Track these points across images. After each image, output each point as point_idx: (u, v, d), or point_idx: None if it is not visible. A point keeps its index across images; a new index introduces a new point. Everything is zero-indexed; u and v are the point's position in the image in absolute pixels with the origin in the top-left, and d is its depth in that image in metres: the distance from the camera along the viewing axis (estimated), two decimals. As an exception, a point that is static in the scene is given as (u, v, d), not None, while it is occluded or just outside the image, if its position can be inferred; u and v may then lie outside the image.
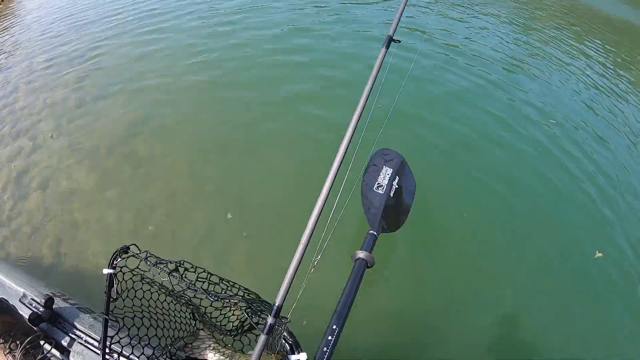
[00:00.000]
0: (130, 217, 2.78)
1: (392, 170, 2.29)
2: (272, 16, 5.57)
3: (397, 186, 2.25)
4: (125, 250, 0.81)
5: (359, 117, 1.26)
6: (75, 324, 1.43)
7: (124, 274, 0.85)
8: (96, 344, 1.39)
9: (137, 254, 0.78)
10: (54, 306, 1.45)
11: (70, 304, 1.51)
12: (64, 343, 1.38)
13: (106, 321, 0.83)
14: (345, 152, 1.19)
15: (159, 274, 0.82)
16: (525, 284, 2.41)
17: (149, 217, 2.75)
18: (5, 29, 6.99)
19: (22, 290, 1.48)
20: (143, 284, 1.05)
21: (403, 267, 2.41)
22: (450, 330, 2.15)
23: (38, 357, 1.30)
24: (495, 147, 3.39)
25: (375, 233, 1.93)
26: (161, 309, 1.23)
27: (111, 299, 0.83)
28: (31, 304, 1.45)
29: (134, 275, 0.88)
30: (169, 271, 0.83)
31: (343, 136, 1.23)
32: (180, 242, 2.57)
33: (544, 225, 2.80)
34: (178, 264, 0.88)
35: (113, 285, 0.81)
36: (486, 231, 2.67)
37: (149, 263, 0.82)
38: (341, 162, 1.17)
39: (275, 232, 2.58)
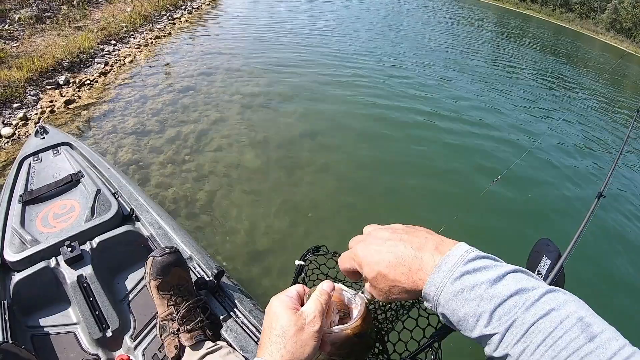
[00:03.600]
0: (277, 203, 3.34)
1: (550, 262, 2.27)
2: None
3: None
4: (317, 248, 0.86)
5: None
6: (237, 303, 1.49)
7: (312, 270, 0.87)
8: (252, 327, 1.42)
9: (325, 253, 0.84)
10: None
11: (233, 283, 1.59)
12: (220, 315, 1.44)
13: None
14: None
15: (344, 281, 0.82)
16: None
17: (298, 207, 3.35)
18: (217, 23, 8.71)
19: (189, 252, 1.60)
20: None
21: None
22: None
23: (196, 320, 1.38)
24: None
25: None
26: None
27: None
28: (195, 268, 1.56)
29: (320, 273, 0.88)
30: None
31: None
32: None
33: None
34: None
35: (301, 274, 0.85)
36: None
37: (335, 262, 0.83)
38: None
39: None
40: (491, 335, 0.44)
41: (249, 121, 4.57)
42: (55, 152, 1.97)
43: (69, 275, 1.48)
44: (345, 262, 0.61)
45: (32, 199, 1.71)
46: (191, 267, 1.57)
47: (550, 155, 5.19)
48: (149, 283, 1.40)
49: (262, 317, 1.48)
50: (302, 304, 0.60)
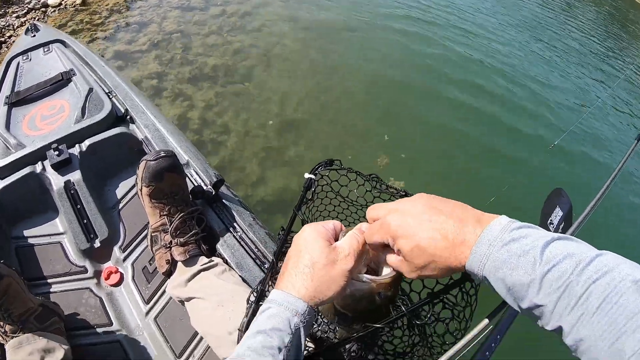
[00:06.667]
0: (310, 86, 3.34)
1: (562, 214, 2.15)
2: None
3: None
4: (330, 162, 0.78)
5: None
6: (235, 215, 1.26)
7: (321, 187, 0.79)
8: (251, 244, 1.22)
9: (339, 168, 0.77)
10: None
11: (233, 194, 1.35)
12: (217, 229, 1.22)
13: (294, 216, 0.78)
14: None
15: (356, 191, 0.77)
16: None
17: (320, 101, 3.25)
18: None
19: (186, 158, 1.36)
20: (335, 200, 0.85)
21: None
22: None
23: (191, 233, 1.17)
24: None
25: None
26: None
27: (304, 201, 0.80)
28: (192, 176, 1.32)
29: (330, 190, 0.80)
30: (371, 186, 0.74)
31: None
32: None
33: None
34: (375, 179, 0.77)
35: (310, 188, 0.78)
36: None
37: (349, 178, 0.76)
38: None
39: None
40: (542, 305, 0.40)
41: (293, 8, 4.49)
42: (46, 49, 1.74)
43: (56, 180, 1.30)
44: (374, 233, 0.54)
45: (19, 100, 1.51)
46: (188, 175, 1.34)
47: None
48: (141, 190, 1.18)
49: (262, 233, 1.24)
50: (336, 241, 0.57)
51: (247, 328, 0.88)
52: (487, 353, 1.00)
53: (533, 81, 4.68)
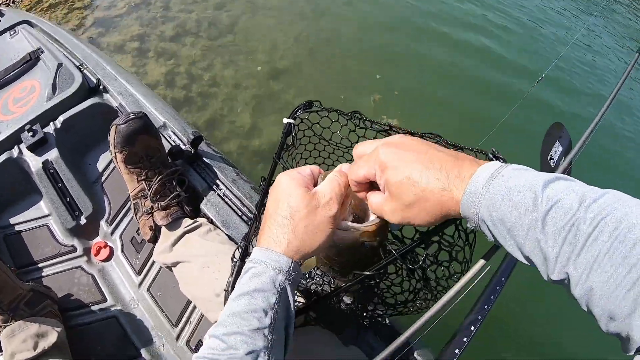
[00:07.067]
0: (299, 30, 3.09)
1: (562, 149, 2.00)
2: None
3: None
4: (309, 104, 0.71)
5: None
6: (217, 172, 1.15)
7: (303, 131, 0.75)
8: (236, 200, 1.11)
9: (319, 110, 0.72)
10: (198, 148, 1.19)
11: (214, 150, 1.23)
12: (200, 188, 1.12)
13: (274, 164, 0.73)
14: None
15: (339, 132, 0.73)
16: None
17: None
18: None
19: (162, 119, 1.24)
20: (319, 145, 0.80)
21: None
22: None
23: (172, 195, 1.07)
24: None
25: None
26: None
27: (284, 147, 0.75)
28: (170, 137, 1.21)
29: (312, 134, 0.76)
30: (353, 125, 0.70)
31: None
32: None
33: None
34: (357, 116, 0.70)
35: (290, 134, 0.73)
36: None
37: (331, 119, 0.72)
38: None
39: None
40: (546, 249, 0.35)
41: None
42: (12, 33, 1.65)
43: (34, 162, 1.24)
44: (360, 165, 0.48)
45: (-10, 87, 1.44)
46: (165, 136, 1.24)
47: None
48: (115, 157, 1.09)
49: (247, 187, 1.12)
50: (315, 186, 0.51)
51: (232, 288, 0.79)
52: (492, 297, 0.94)
53: (523, 13, 4.35)
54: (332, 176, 0.51)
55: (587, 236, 0.32)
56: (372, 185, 0.50)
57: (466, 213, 0.40)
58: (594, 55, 4.20)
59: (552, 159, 1.96)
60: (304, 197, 0.47)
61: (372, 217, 0.52)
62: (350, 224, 0.51)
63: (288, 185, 0.49)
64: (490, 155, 0.54)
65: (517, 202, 0.37)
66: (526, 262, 0.39)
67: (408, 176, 0.42)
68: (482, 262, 0.55)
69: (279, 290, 0.46)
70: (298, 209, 0.47)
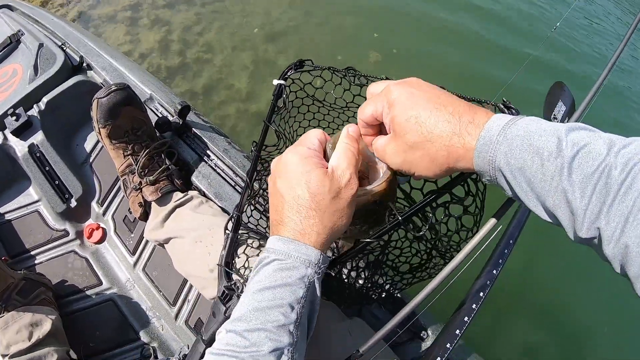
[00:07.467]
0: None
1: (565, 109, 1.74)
2: None
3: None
4: (300, 64, 0.67)
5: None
6: (208, 142, 1.07)
7: (295, 93, 0.69)
8: (228, 170, 1.03)
9: (312, 69, 0.65)
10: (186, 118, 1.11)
11: (203, 120, 1.15)
12: (190, 160, 1.04)
13: (266, 128, 0.68)
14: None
15: (333, 92, 0.68)
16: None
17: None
18: None
19: (149, 92, 1.16)
20: (313, 107, 0.74)
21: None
22: None
23: (161, 168, 1.00)
24: None
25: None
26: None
27: (275, 110, 0.71)
28: (157, 109, 1.13)
29: (305, 95, 0.70)
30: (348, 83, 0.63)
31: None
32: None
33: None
34: (352, 72, 0.65)
35: (281, 96, 0.67)
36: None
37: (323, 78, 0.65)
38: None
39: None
40: (573, 202, 0.30)
41: None
42: (-8, 17, 1.59)
43: (19, 147, 1.18)
44: (368, 102, 0.44)
45: (-27, 74, 1.39)
46: (152, 109, 1.16)
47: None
48: (99, 133, 1.02)
49: (239, 156, 1.04)
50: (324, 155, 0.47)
51: (226, 261, 0.73)
52: (500, 261, 0.87)
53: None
54: (345, 145, 0.45)
55: (619, 184, 0.28)
56: (381, 132, 0.47)
57: (480, 163, 0.36)
58: (596, 20, 4.07)
59: (556, 119, 1.89)
60: (324, 181, 0.42)
61: (380, 171, 0.48)
62: (362, 188, 0.46)
63: (302, 166, 0.43)
64: (502, 106, 0.49)
65: (538, 146, 0.32)
66: (549, 220, 0.34)
67: (416, 115, 0.39)
68: (493, 221, 0.51)
69: (308, 285, 0.42)
70: (322, 196, 0.42)
